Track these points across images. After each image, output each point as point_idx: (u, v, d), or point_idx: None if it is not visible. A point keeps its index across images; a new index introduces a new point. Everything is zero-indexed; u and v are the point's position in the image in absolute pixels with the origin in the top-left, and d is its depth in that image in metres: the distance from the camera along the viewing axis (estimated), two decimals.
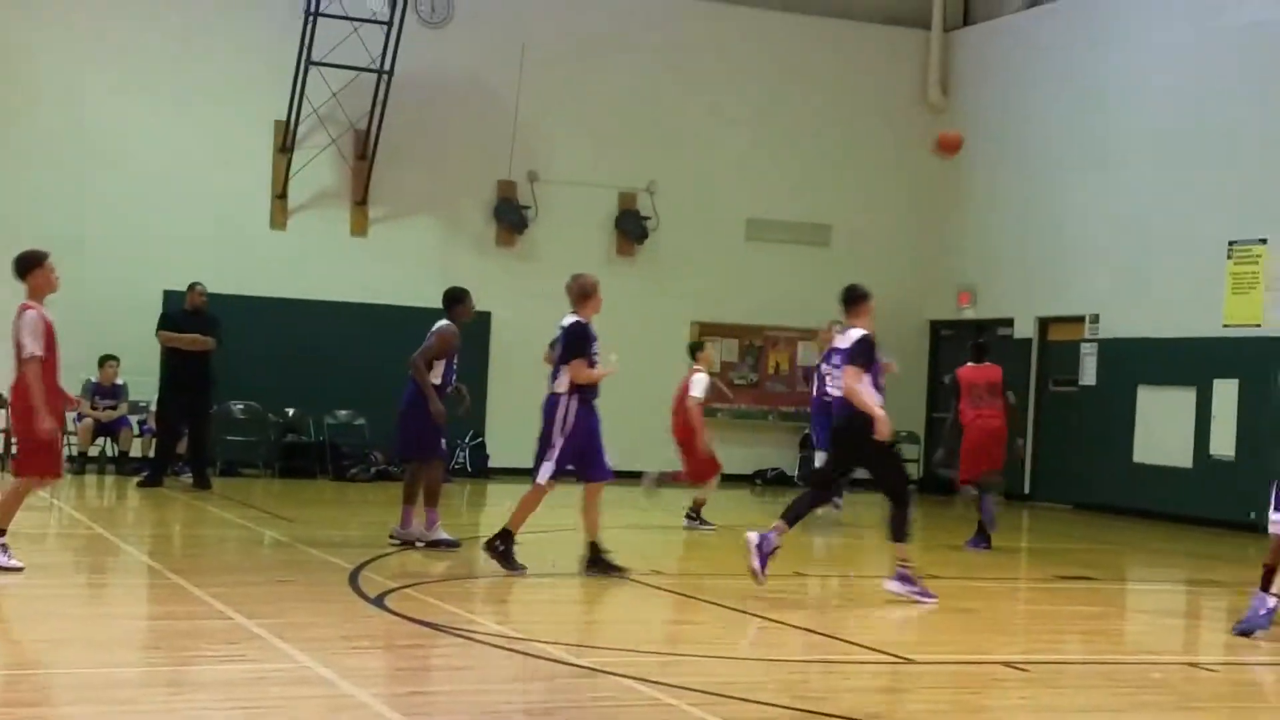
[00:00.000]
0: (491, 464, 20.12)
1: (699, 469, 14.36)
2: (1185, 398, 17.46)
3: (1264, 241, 16.68)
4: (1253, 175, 16.86)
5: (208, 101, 19.30)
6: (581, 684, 7.09)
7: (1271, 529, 9.35)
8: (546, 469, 10.38)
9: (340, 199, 19.87)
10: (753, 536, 9.87)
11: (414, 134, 19.90)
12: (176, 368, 16.38)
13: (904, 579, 9.97)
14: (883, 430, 9.86)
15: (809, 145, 21.64)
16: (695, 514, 14.62)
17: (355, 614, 8.72)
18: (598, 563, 10.49)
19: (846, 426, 10.10)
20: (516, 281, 20.24)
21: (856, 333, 10.28)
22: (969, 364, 13.84)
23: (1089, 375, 19.05)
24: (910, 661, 8.03)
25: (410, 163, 19.98)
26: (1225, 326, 17.10)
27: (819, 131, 21.69)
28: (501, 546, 10.44)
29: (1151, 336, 17.95)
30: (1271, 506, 9.31)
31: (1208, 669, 8.49)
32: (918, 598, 9.89)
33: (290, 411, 19.10)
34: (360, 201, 19.90)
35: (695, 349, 15.02)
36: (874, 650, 8.27)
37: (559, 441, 10.34)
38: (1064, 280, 19.48)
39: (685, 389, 14.34)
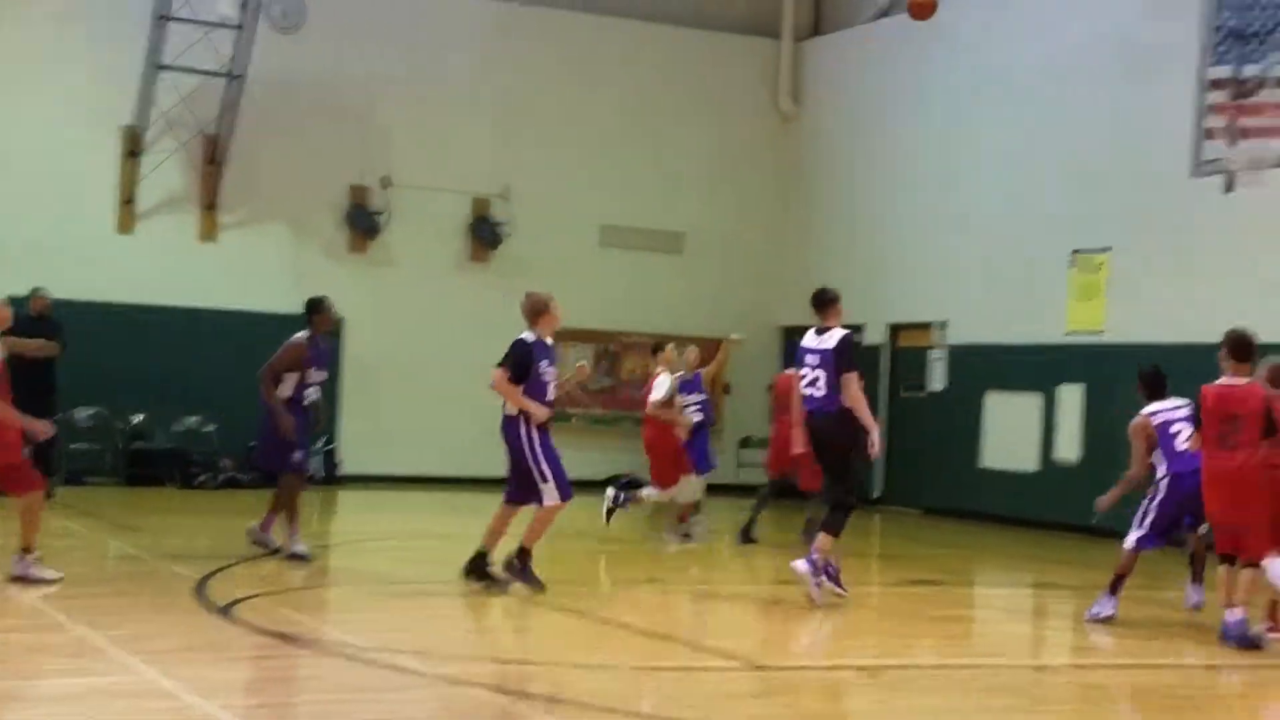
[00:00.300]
0: (343, 471, 19.89)
1: (664, 475, 14.06)
2: (1031, 403, 17.86)
3: (1106, 250, 17.13)
4: (1095, 184, 17.28)
5: (54, 105, 18.81)
6: (432, 694, 7.02)
7: (1126, 545, 9.66)
8: (549, 491, 10.18)
9: (189, 204, 19.49)
10: (800, 565, 9.99)
11: (265, 139, 19.60)
12: (18, 375, 15.85)
13: (814, 565, 10.00)
14: (875, 446, 10.01)
15: (663, 153, 21.74)
16: (683, 528, 14.32)
17: (202, 625, 8.56)
18: (480, 571, 10.29)
19: (832, 428, 10.03)
20: (370, 288, 20.02)
21: (838, 334, 10.22)
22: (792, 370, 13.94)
23: (938, 381, 19.40)
24: (761, 667, 8.07)
25: (262, 168, 19.67)
26: (1069, 333, 17.53)
27: (673, 139, 21.81)
28: (520, 565, 10.22)
29: (998, 343, 18.33)
30: (1134, 525, 9.76)
31: (1055, 671, 8.66)
32: (815, 586, 9.93)
33: (137, 418, 18.68)
34: (210, 206, 19.54)
35: (655, 350, 14.76)
36: (727, 656, 8.30)
37: (543, 464, 10.17)
38: (914, 287, 19.81)
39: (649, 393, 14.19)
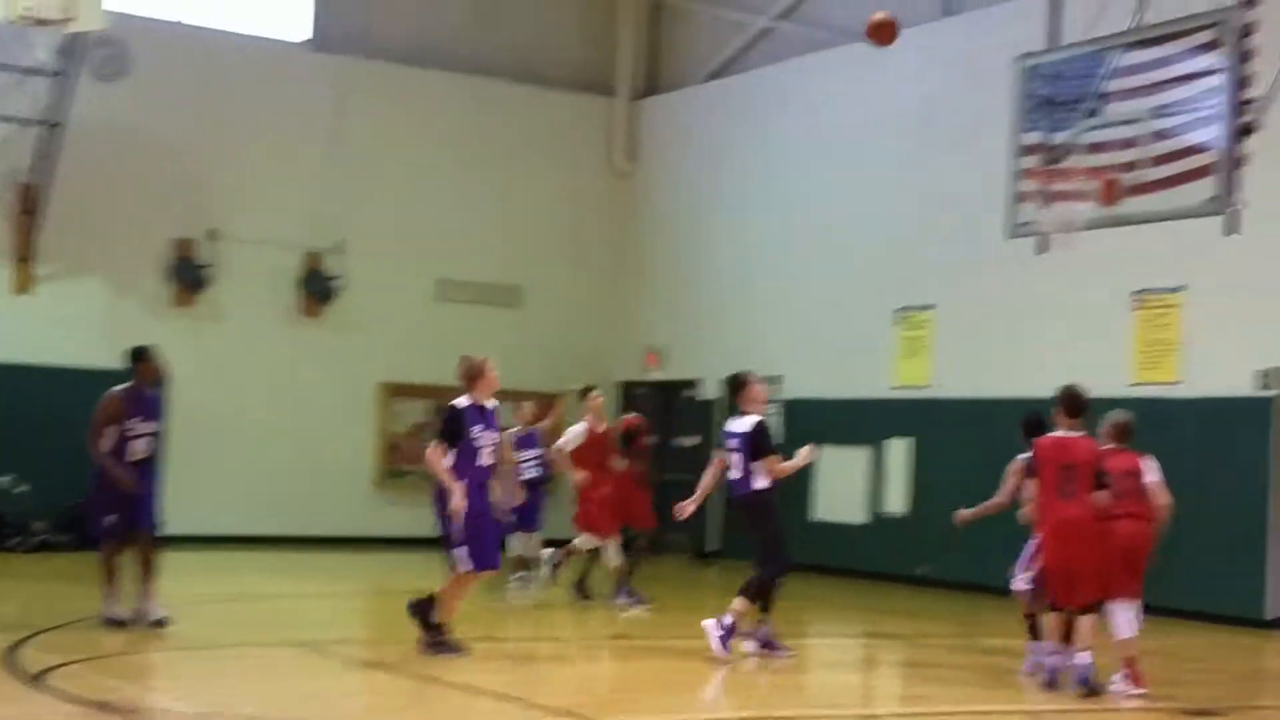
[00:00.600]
0: (168, 531, 19.37)
1: (589, 520, 13.92)
2: (860, 456, 18.23)
3: (930, 308, 17.62)
4: (919, 245, 17.81)
5: None
6: None
7: (1015, 586, 9.89)
8: (461, 554, 10.00)
9: (2, 256, 18.95)
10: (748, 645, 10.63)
11: (87, 189, 19.13)
12: None
13: (725, 628, 10.45)
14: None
15: (500, 207, 21.79)
16: (626, 590, 13.86)
17: (12, 695, 8.23)
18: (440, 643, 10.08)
19: (748, 508, 11.01)
20: (194, 343, 19.56)
21: (750, 420, 10.89)
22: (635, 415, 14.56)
23: (773, 435, 19.65)
24: None
25: (82, 219, 19.18)
26: (895, 388, 17.97)
27: (510, 194, 21.87)
28: (430, 639, 10.01)
29: (829, 398, 18.68)
30: (1020, 565, 9.93)
31: None
32: (723, 649, 10.36)
33: None
34: (24, 258, 18.98)
35: (582, 394, 14.45)
36: (564, 714, 8.30)
37: (455, 529, 10.02)
38: (748, 342, 20.07)
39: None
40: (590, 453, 14.04)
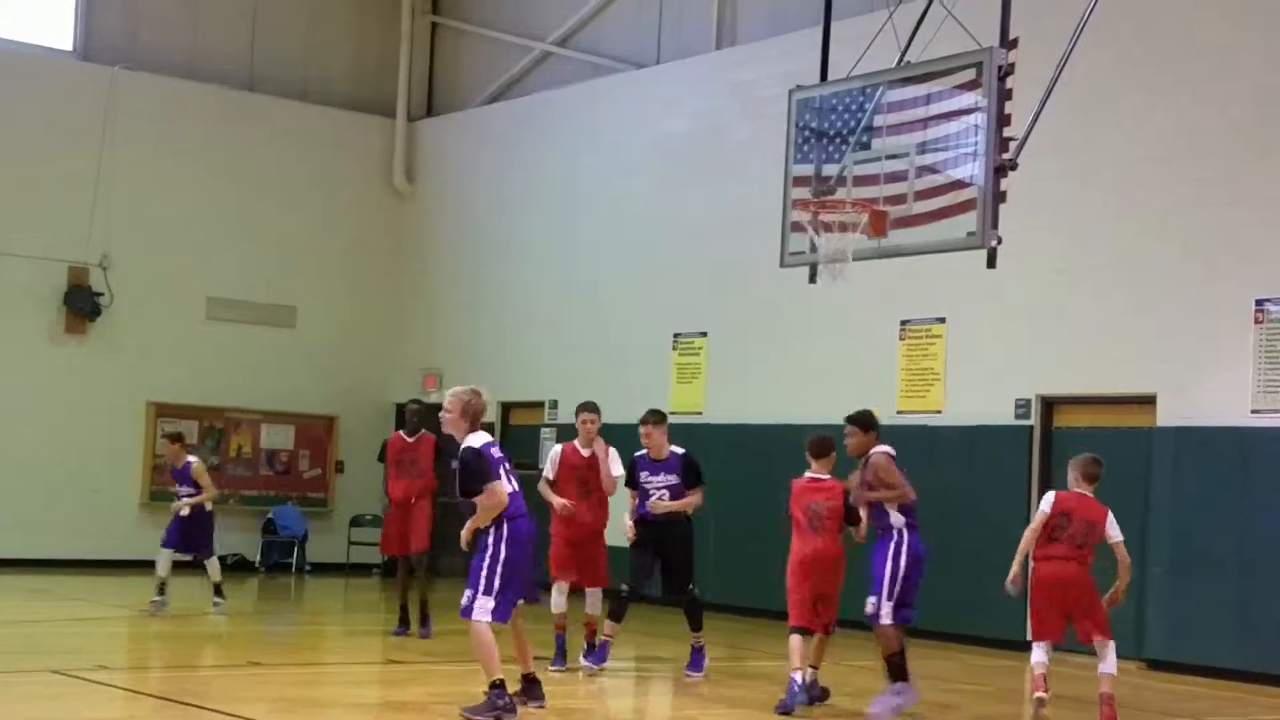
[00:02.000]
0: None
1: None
2: None
3: (704, 335, 17.93)
4: (693, 271, 18.12)
5: None
6: None
7: (884, 622, 9.89)
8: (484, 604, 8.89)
9: None
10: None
11: None
12: None
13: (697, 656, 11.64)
14: None
15: (274, 225, 21.46)
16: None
17: None
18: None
19: (679, 532, 11.80)
20: None
21: (680, 451, 11.94)
22: (400, 432, 14.33)
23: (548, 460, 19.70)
24: None
25: None
26: (672, 414, 18.11)
27: (284, 212, 21.56)
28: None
29: (606, 423, 18.77)
30: (884, 597, 9.89)
31: None
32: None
33: None
34: None
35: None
36: None
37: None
38: (525, 366, 20.15)
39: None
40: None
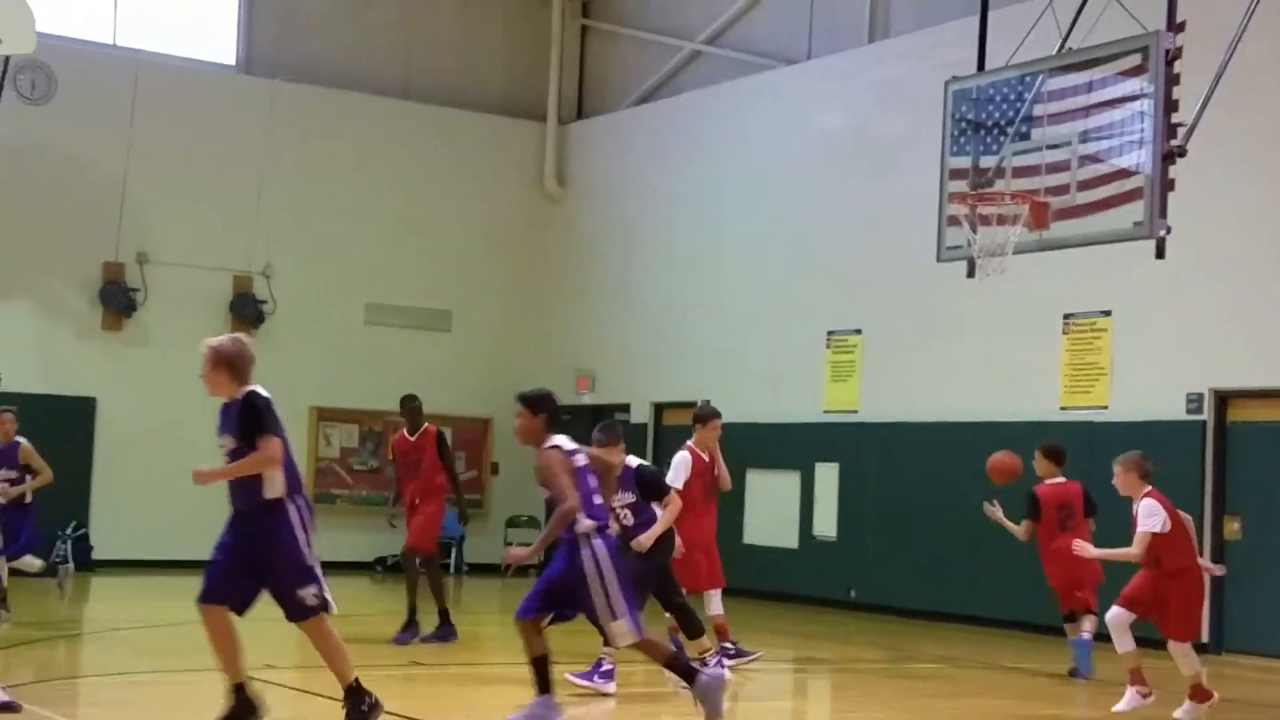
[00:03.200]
0: (95, 555, 19.18)
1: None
2: (790, 481, 18.27)
3: (859, 332, 17.72)
4: (847, 269, 17.91)
5: None
6: None
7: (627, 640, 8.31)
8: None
9: None
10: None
11: (13, 214, 18.94)
12: None
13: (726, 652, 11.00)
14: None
15: (430, 231, 21.74)
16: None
17: None
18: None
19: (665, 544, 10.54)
20: (124, 367, 19.46)
21: (634, 461, 10.54)
22: (403, 431, 13.47)
23: None
24: None
25: (9, 244, 18.98)
26: (826, 412, 18.04)
27: (440, 218, 21.83)
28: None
29: (759, 421, 18.72)
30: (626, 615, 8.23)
31: None
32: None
33: None
34: None
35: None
36: None
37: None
38: (678, 366, 20.13)
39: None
40: None
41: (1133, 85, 9.82)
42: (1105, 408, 15.05)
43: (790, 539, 18.22)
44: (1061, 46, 10.60)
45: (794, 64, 19.21)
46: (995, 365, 15.91)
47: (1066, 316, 15.42)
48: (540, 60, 22.63)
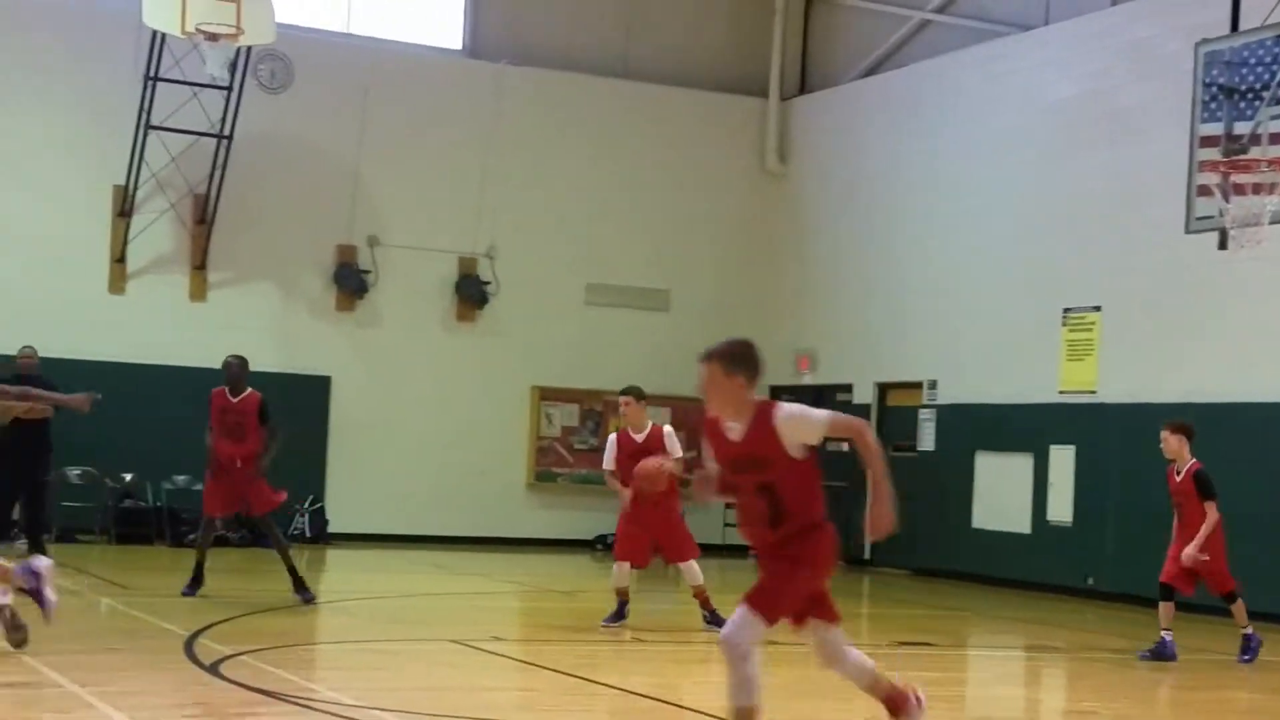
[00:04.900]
0: (331, 529, 19.74)
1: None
2: (1022, 464, 17.75)
3: (1098, 309, 17.07)
4: (1084, 243, 17.25)
5: (47, 165, 18.84)
6: None
7: None
8: None
9: (179, 263, 19.47)
10: None
11: (253, 199, 19.60)
12: (7, 434, 15.70)
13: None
14: None
15: (649, 211, 21.76)
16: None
17: (189, 681, 8.45)
18: None
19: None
20: (356, 346, 19.99)
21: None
22: (224, 388, 13.08)
23: (928, 441, 19.30)
24: None
25: (250, 227, 19.65)
26: (1061, 393, 17.44)
27: (659, 197, 21.83)
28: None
29: (989, 403, 18.26)
30: None
31: None
32: None
33: (127, 477, 18.55)
34: (199, 266, 19.51)
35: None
36: (713, 716, 8.17)
37: None
38: (903, 346, 19.77)
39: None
40: None
41: None
42: None
43: (1023, 524, 17.70)
44: None
45: (1030, 30, 18.56)
46: (1250, 343, 15.05)
47: None
48: (763, 34, 22.41)
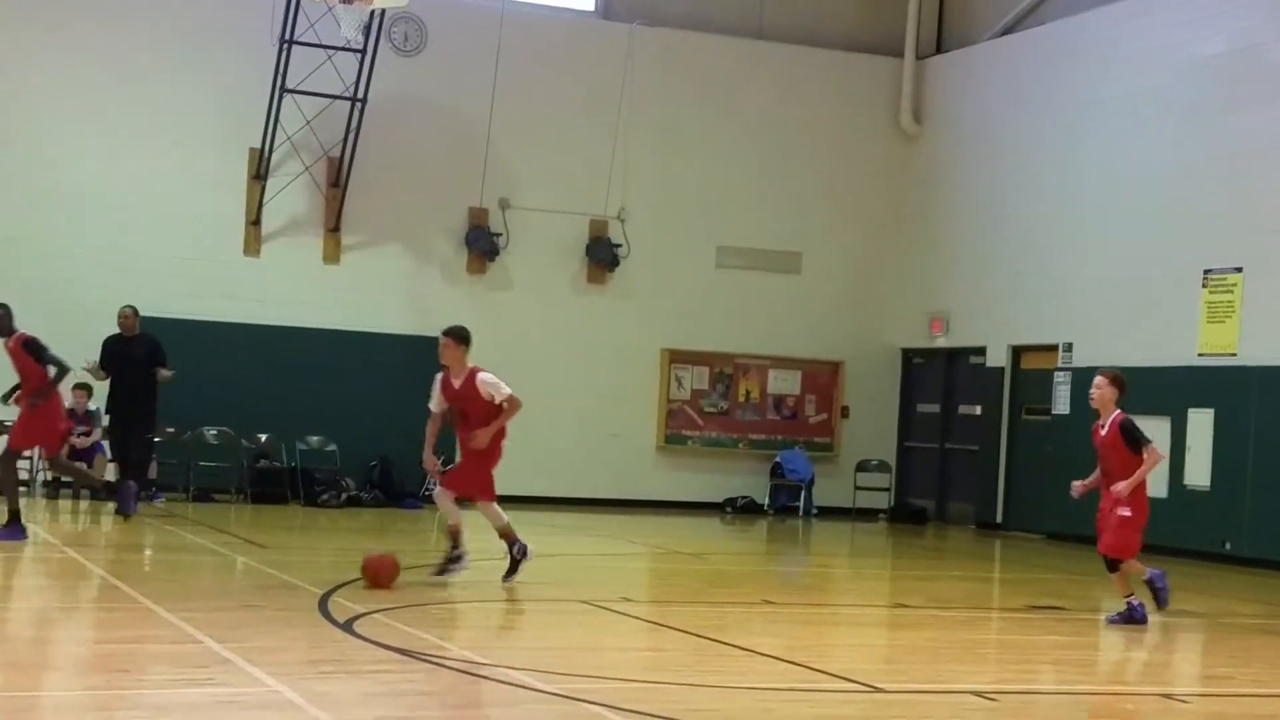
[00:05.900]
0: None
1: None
2: (1160, 427, 17.36)
3: (1239, 270, 16.70)
4: (1227, 204, 16.88)
5: (183, 128, 19.26)
6: (549, 710, 7.00)
7: None
8: None
9: (313, 226, 19.81)
10: None
11: (386, 162, 19.87)
12: (120, 393, 16.32)
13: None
14: None
15: (780, 172, 21.66)
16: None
17: (324, 639, 8.65)
18: None
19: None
20: (487, 309, 20.18)
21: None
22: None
23: (1062, 404, 19.04)
24: (879, 690, 7.96)
25: (382, 190, 19.93)
26: (1200, 355, 17.09)
27: (790, 159, 21.72)
28: None
29: (1126, 365, 17.87)
30: None
31: (1181, 700, 8.44)
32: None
33: (262, 437, 18.96)
34: (333, 229, 19.84)
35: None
36: (842, 679, 8.20)
37: None
38: (1037, 308, 19.50)
39: None
40: None
41: None
42: None
43: (1159, 488, 17.34)
44: None
45: None
46: None
47: None
48: None
